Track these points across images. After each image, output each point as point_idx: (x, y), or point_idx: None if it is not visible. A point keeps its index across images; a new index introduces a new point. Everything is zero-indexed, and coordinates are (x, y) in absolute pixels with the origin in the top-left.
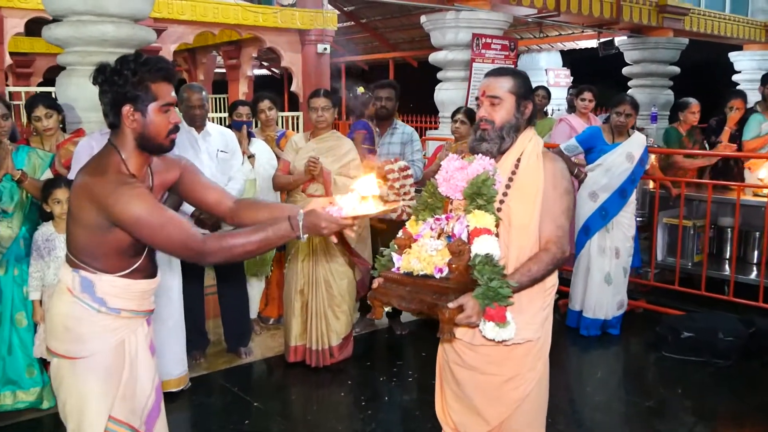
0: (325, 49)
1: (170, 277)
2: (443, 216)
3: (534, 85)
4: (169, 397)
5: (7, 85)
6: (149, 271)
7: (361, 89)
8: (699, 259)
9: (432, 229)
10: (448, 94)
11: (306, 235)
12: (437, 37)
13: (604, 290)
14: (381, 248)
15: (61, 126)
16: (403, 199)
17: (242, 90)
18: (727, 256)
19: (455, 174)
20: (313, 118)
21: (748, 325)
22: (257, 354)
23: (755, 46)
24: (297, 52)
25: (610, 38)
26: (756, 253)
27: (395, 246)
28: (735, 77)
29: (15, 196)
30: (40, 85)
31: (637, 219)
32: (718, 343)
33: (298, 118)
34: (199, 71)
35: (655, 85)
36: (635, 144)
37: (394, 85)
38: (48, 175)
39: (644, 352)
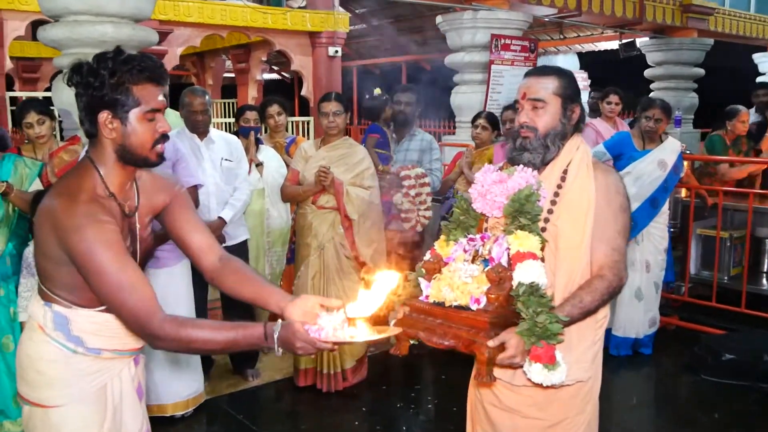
0: (337, 51)
1: (179, 283)
2: (478, 236)
3: None
4: (171, 423)
5: (13, 90)
6: None
7: (377, 90)
8: (736, 272)
9: (465, 251)
10: (465, 98)
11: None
12: (454, 39)
13: (634, 306)
14: (407, 272)
15: (55, 133)
16: (419, 209)
17: (251, 94)
18: (765, 269)
19: (492, 188)
20: (323, 123)
21: None
22: (264, 376)
23: None
24: (307, 55)
25: (632, 39)
26: None
27: (422, 270)
28: (759, 79)
29: (0, 210)
30: (46, 90)
31: (670, 230)
32: (763, 366)
33: (308, 124)
34: (208, 75)
35: (678, 87)
36: (668, 150)
37: (414, 89)
38: (37, 185)
39: (680, 374)
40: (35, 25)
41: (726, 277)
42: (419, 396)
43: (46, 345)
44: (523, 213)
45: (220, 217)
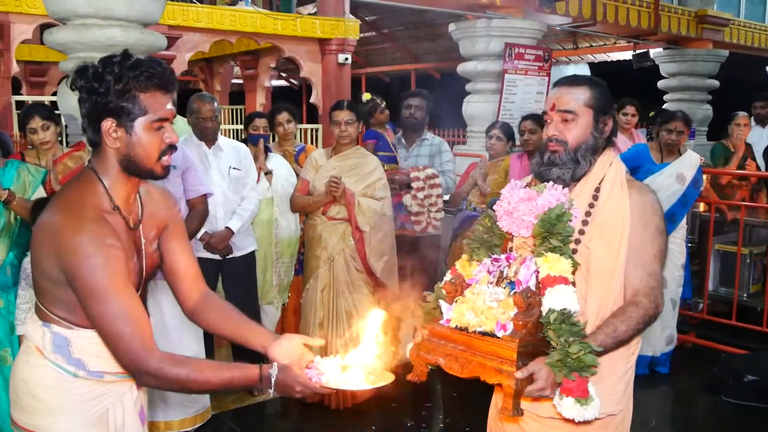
0: (347, 59)
1: None
2: (502, 256)
3: None
4: None
5: (20, 94)
6: None
7: (366, 95)
8: (755, 289)
9: (489, 272)
10: (477, 108)
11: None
12: (467, 47)
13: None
14: (424, 292)
15: (60, 139)
16: (429, 211)
17: (260, 101)
18: None
19: (520, 206)
20: (335, 132)
21: None
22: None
23: None
24: (317, 62)
25: (645, 50)
26: None
27: (443, 292)
28: None
29: (1, 218)
30: (54, 94)
31: (687, 246)
32: None
33: (317, 131)
34: (216, 81)
35: (693, 99)
36: (686, 164)
37: (424, 94)
38: (40, 193)
39: (700, 395)
40: (43, 29)
41: (745, 295)
42: (430, 414)
43: (43, 369)
44: (554, 234)
45: (227, 227)
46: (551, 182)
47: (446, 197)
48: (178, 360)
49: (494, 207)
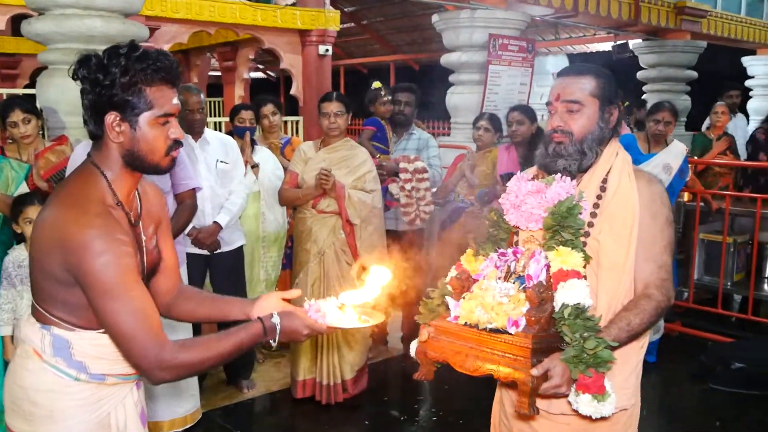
0: (327, 50)
1: None
2: (509, 250)
3: (540, 89)
4: None
5: None
6: None
7: (376, 84)
8: (739, 278)
9: (497, 267)
10: (461, 99)
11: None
12: (450, 38)
13: None
14: (428, 288)
15: (41, 132)
16: (419, 204)
17: (238, 93)
18: (767, 275)
19: (528, 199)
20: (324, 124)
21: None
22: (260, 387)
23: None
24: (297, 53)
25: (625, 41)
26: None
27: (448, 287)
28: (748, 83)
29: None
30: (26, 87)
31: None
32: None
33: (297, 123)
34: (193, 73)
35: (672, 90)
36: (673, 154)
37: (414, 88)
38: (24, 189)
39: (688, 383)
40: (15, 21)
41: (729, 283)
42: (423, 408)
43: (43, 373)
44: (565, 227)
45: (215, 222)
46: (559, 174)
47: (434, 190)
48: (187, 345)
49: (501, 200)
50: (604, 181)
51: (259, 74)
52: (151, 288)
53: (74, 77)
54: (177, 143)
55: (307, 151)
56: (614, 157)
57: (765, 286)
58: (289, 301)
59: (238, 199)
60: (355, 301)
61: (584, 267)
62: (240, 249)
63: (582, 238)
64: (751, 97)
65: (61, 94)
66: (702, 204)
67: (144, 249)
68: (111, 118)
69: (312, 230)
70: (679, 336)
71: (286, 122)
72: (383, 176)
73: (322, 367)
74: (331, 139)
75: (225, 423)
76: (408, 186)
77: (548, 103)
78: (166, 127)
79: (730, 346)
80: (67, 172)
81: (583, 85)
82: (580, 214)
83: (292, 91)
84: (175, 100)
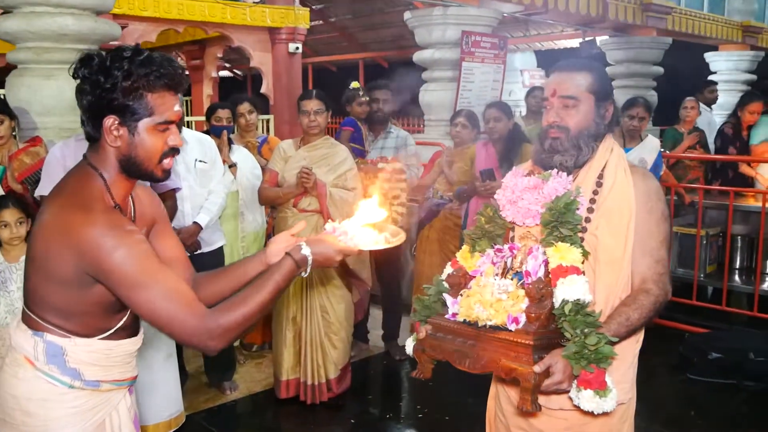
0: (297, 48)
1: None
2: (505, 246)
3: (508, 86)
4: None
5: None
6: (134, 326)
7: (355, 84)
8: (711, 270)
9: (494, 263)
10: (435, 96)
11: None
12: (423, 35)
13: None
14: (424, 285)
15: (13, 134)
16: (392, 204)
17: (206, 92)
18: (738, 266)
19: (525, 195)
20: (304, 122)
21: None
22: (243, 389)
23: (731, 46)
24: (267, 51)
25: (592, 38)
26: None
27: (445, 285)
28: (711, 78)
29: None
30: None
31: None
32: (749, 364)
33: (268, 122)
34: None
35: (639, 86)
36: (648, 149)
37: (390, 86)
38: None
39: (667, 374)
40: None
41: (702, 275)
42: (408, 407)
43: (36, 382)
44: (563, 223)
45: (195, 222)
46: (556, 170)
47: None
48: (225, 307)
49: (496, 196)
50: (600, 176)
51: (226, 73)
52: None
53: (74, 76)
54: (173, 150)
55: (287, 149)
56: (609, 153)
57: (736, 278)
58: (298, 234)
59: (217, 198)
60: (371, 220)
61: (582, 262)
62: (220, 249)
63: (579, 234)
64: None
65: (33, 94)
66: (676, 198)
67: None
68: (109, 121)
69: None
70: (655, 328)
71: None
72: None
73: (306, 366)
74: (311, 138)
75: (209, 426)
76: (386, 185)
77: (544, 99)
78: (165, 134)
79: (706, 336)
80: (42, 174)
81: (579, 81)
82: (577, 209)
83: (263, 90)
84: (177, 107)
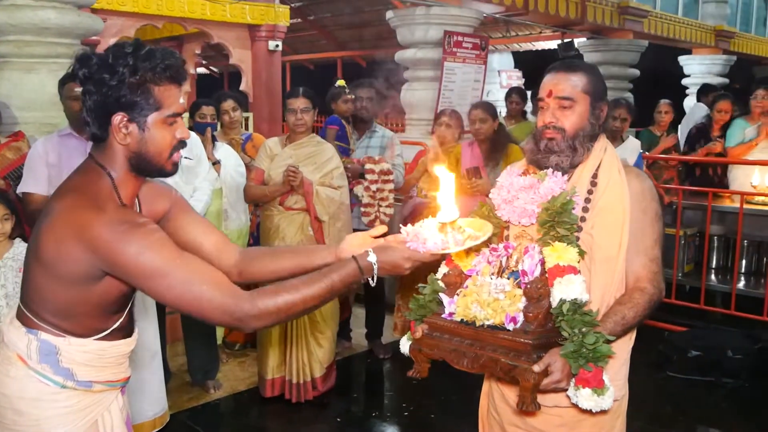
0: (277, 46)
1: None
2: (500, 246)
3: (487, 86)
4: None
5: None
6: (129, 328)
7: (340, 82)
8: (689, 269)
9: (490, 262)
10: (417, 95)
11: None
12: (405, 35)
13: None
14: (419, 284)
15: None
16: (380, 205)
17: (184, 88)
18: (714, 266)
19: (521, 194)
20: (290, 121)
21: (755, 341)
22: (227, 387)
23: (704, 50)
24: (246, 48)
25: (570, 40)
26: (744, 262)
27: (441, 284)
28: (685, 81)
29: None
30: None
31: None
32: (726, 361)
33: (247, 119)
34: None
35: (616, 87)
36: (629, 150)
37: (374, 84)
38: None
39: (647, 371)
40: None
41: (680, 274)
42: (393, 404)
43: (27, 380)
44: (560, 223)
45: None
46: (551, 170)
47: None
48: (270, 291)
49: (491, 195)
50: (595, 176)
51: (202, 69)
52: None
53: (74, 77)
54: (181, 143)
55: (273, 147)
56: (603, 153)
57: (713, 277)
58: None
59: (203, 195)
60: (450, 217)
61: (578, 262)
62: None
63: (575, 233)
64: (687, 95)
65: (14, 88)
66: None
67: None
68: (118, 119)
69: (280, 227)
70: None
71: None
72: (348, 178)
73: (291, 365)
74: (297, 136)
75: (194, 425)
76: (374, 187)
77: (539, 99)
78: (173, 128)
79: (685, 335)
80: (25, 170)
81: (574, 82)
82: (573, 209)
83: (242, 87)
84: (182, 100)
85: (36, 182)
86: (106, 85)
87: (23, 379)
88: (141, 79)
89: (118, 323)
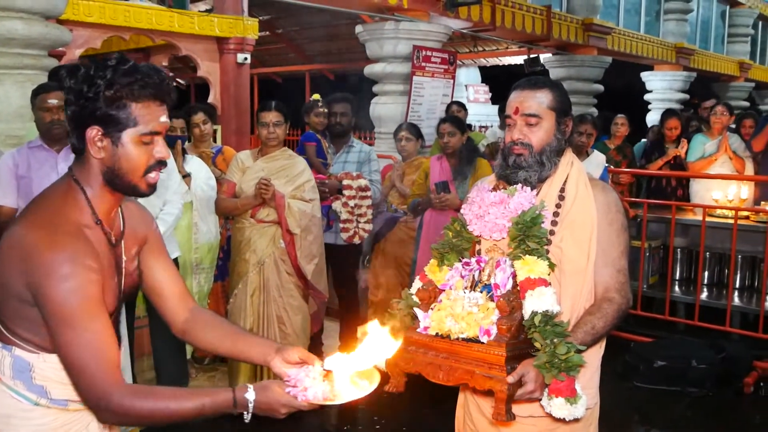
0: (246, 58)
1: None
2: (473, 260)
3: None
4: None
5: None
6: None
7: (316, 96)
8: (654, 281)
9: (462, 276)
10: (386, 109)
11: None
12: (374, 49)
13: None
14: (393, 299)
15: None
16: (358, 221)
17: None
18: (677, 277)
19: (491, 209)
20: (263, 134)
21: (718, 351)
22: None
23: (666, 66)
24: (215, 61)
25: (536, 55)
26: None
27: (415, 299)
28: (647, 96)
29: None
30: None
31: None
32: (691, 371)
33: (215, 132)
34: None
35: (580, 102)
36: (594, 164)
37: (350, 98)
38: None
39: (614, 381)
40: None
41: (645, 286)
42: (364, 417)
43: (1, 396)
44: (530, 237)
45: None
46: (521, 185)
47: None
48: (141, 392)
49: (462, 211)
50: (562, 190)
51: None
52: (161, 313)
53: (59, 86)
54: (159, 163)
55: (244, 160)
56: (570, 167)
57: (677, 288)
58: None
59: (173, 209)
60: (344, 367)
61: (549, 274)
62: (175, 260)
63: (545, 246)
64: (649, 110)
65: None
66: None
67: (123, 271)
68: (93, 132)
69: (251, 240)
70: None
71: None
72: (326, 194)
73: (263, 379)
74: (269, 149)
75: None
76: (351, 203)
77: (507, 116)
78: (150, 146)
79: (651, 345)
80: None
81: (540, 99)
82: (542, 223)
83: (210, 100)
84: (164, 118)
85: (4, 195)
86: (83, 96)
87: None
88: (117, 94)
89: None
